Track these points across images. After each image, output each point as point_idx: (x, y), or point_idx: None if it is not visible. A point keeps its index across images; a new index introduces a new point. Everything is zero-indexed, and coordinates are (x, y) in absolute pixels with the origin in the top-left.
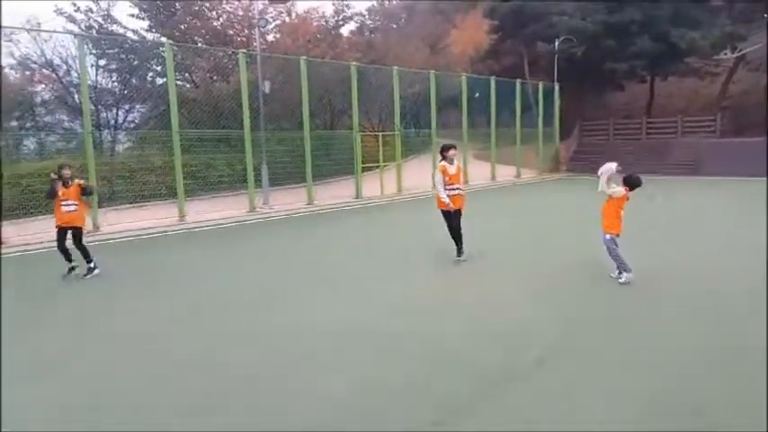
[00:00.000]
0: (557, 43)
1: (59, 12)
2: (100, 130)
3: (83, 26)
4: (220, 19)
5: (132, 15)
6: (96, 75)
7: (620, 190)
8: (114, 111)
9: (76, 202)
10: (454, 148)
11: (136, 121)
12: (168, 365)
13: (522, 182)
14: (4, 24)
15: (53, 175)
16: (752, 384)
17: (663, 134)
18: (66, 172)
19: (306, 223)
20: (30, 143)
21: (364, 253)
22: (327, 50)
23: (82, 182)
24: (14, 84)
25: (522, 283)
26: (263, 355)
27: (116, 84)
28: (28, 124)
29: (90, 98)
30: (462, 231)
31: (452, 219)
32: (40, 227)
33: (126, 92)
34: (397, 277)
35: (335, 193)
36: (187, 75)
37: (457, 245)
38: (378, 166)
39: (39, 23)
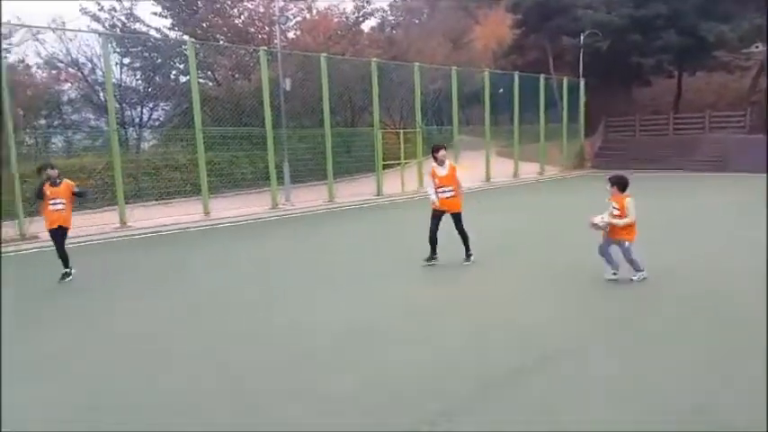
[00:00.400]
0: (582, 37)
1: (84, 11)
2: (125, 127)
3: (107, 25)
4: (242, 16)
5: (155, 14)
6: (120, 73)
7: (632, 201)
8: (139, 109)
9: (65, 201)
10: (444, 148)
11: (160, 118)
12: (186, 361)
13: (546, 179)
14: (31, 24)
15: (45, 175)
16: (752, 384)
17: (690, 130)
18: (53, 172)
19: (326, 221)
20: (57, 141)
21: (381, 251)
22: (348, 47)
23: (74, 184)
24: (42, 82)
25: (528, 283)
26: (264, 354)
27: (140, 82)
28: (55, 122)
29: (114, 96)
30: (468, 233)
31: (439, 222)
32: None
33: (150, 90)
34: (412, 275)
35: (356, 191)
36: (209, 73)
37: (466, 247)
38: (399, 164)
39: (64, 23)
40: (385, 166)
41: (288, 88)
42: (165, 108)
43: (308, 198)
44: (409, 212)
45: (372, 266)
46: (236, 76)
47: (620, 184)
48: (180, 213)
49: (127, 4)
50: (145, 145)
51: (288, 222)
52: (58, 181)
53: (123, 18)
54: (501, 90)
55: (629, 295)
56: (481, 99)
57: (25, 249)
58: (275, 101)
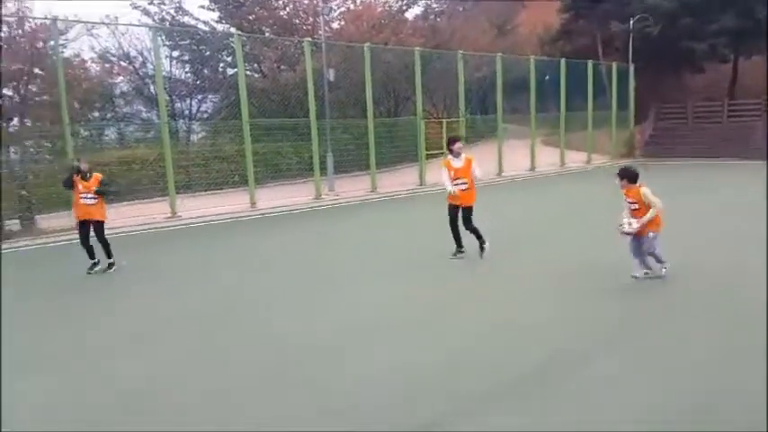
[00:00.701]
0: (632, 22)
1: (135, 5)
2: (175, 120)
3: (156, 19)
4: (287, 8)
5: (203, 7)
6: (170, 66)
7: (649, 191)
8: (188, 101)
9: (96, 195)
10: (459, 140)
11: (209, 111)
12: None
13: (593, 168)
14: (85, 20)
15: (75, 164)
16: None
17: (746, 117)
18: (84, 165)
19: (367, 210)
20: (110, 133)
21: (413, 242)
22: (391, 36)
23: (101, 176)
24: (95, 76)
25: (543, 280)
26: (268, 353)
27: (189, 74)
28: (108, 115)
29: (165, 89)
30: (477, 226)
31: (457, 214)
32: (122, 212)
33: (198, 82)
34: (438, 269)
35: (399, 181)
36: (256, 65)
37: (478, 239)
38: (442, 153)
39: (116, 18)
40: (428, 156)
41: (332, 79)
42: (214, 100)
43: (351, 188)
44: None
45: (402, 259)
46: (282, 67)
47: (630, 176)
48: (227, 203)
49: None
50: (194, 137)
51: (331, 212)
52: (88, 175)
53: (172, 12)
54: (547, 77)
55: (658, 293)
56: (527, 86)
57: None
58: (319, 91)
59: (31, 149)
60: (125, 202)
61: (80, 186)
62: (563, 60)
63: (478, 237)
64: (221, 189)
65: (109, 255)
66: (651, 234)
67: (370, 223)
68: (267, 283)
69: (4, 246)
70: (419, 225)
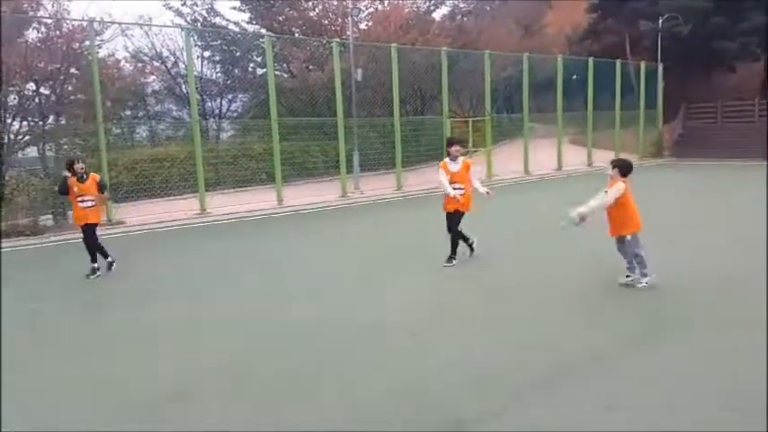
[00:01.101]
0: (660, 21)
1: (167, 6)
2: (206, 118)
3: (188, 19)
4: (316, 9)
5: (234, 8)
6: (201, 66)
7: (620, 187)
8: (218, 100)
9: (93, 198)
10: (458, 143)
11: (238, 110)
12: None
13: None
14: (120, 21)
15: (65, 172)
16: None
17: None
18: (79, 166)
19: (392, 209)
20: (142, 131)
21: (435, 241)
22: (418, 36)
23: (98, 176)
24: (128, 75)
25: (556, 287)
26: (285, 349)
27: (219, 74)
28: (140, 113)
29: (196, 88)
30: (463, 235)
31: (452, 219)
32: (152, 209)
33: (229, 82)
34: (456, 268)
35: (424, 179)
36: (285, 65)
37: (452, 248)
38: (467, 152)
39: (150, 18)
40: None
41: (359, 78)
42: (243, 99)
43: (377, 186)
44: (481, 202)
45: (431, 255)
46: (310, 67)
47: (622, 167)
48: (255, 201)
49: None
50: (223, 135)
51: (356, 210)
52: (84, 176)
53: (204, 12)
54: (575, 76)
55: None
56: (554, 86)
57: (112, 233)
58: (347, 91)
59: (65, 147)
60: (156, 199)
61: (76, 189)
62: (590, 59)
63: (455, 248)
64: (249, 187)
65: (94, 259)
66: (629, 237)
67: (398, 221)
68: (302, 279)
69: (38, 240)
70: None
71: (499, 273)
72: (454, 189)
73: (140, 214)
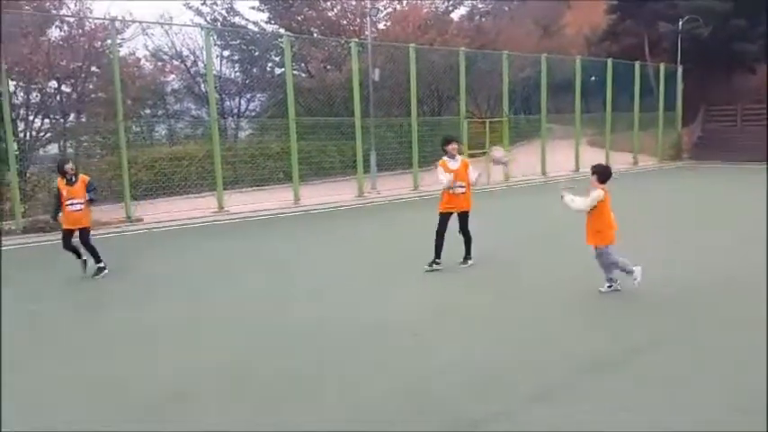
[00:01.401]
0: (680, 23)
1: (188, 5)
2: (224, 117)
3: (208, 19)
4: (334, 9)
5: (253, 8)
6: (220, 65)
7: (598, 194)
8: (237, 99)
9: (82, 201)
10: (455, 142)
11: (256, 109)
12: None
13: (639, 170)
14: (141, 20)
15: (56, 191)
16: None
17: None
18: (69, 167)
19: (407, 209)
20: (161, 129)
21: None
22: (436, 37)
23: (87, 178)
24: (148, 74)
25: (561, 289)
26: (285, 349)
27: (238, 74)
28: (159, 112)
29: (215, 87)
30: (472, 235)
31: (448, 224)
32: (171, 207)
33: (247, 81)
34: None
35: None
36: (303, 64)
37: (467, 248)
38: (484, 153)
39: (171, 17)
40: (470, 156)
41: (377, 79)
42: (261, 99)
43: (394, 186)
44: (501, 202)
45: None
46: (328, 67)
47: (601, 174)
48: (272, 200)
49: None
50: (241, 134)
51: (371, 210)
52: (74, 179)
53: (224, 12)
54: (593, 78)
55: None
56: (572, 87)
57: (130, 231)
58: (364, 91)
59: (85, 144)
60: (175, 197)
61: (65, 192)
62: (609, 61)
63: (469, 247)
64: (266, 185)
65: (98, 259)
66: (602, 249)
67: (413, 221)
68: (311, 279)
69: (54, 237)
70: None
71: (506, 274)
72: (455, 188)
73: (159, 212)
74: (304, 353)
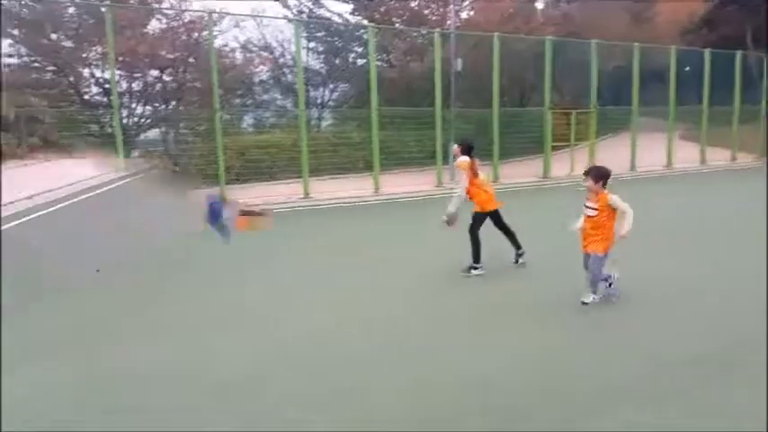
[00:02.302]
0: None
1: None
2: (308, 108)
3: (295, 11)
4: None
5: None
6: (306, 56)
7: (618, 197)
8: (321, 90)
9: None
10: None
11: (338, 99)
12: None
13: (738, 167)
14: (235, 13)
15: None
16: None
17: None
18: None
19: None
20: (248, 118)
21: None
22: (521, 25)
23: None
24: (238, 65)
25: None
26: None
27: (322, 65)
28: (248, 101)
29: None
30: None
31: (482, 223)
32: (259, 192)
33: (331, 72)
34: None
35: (522, 172)
36: (385, 55)
37: (514, 243)
38: (568, 146)
39: (264, 10)
40: (553, 148)
41: (459, 69)
42: (344, 89)
43: None
44: (573, 198)
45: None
46: (410, 58)
47: (600, 177)
48: (353, 188)
49: None
50: (323, 124)
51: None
52: None
53: (310, 4)
54: (688, 68)
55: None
56: (665, 78)
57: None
58: (445, 81)
59: (183, 131)
60: (262, 183)
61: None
62: (707, 51)
63: (517, 241)
64: (348, 174)
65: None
66: (593, 255)
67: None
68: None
69: None
70: (544, 218)
71: (534, 281)
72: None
73: (249, 197)
74: (304, 353)
